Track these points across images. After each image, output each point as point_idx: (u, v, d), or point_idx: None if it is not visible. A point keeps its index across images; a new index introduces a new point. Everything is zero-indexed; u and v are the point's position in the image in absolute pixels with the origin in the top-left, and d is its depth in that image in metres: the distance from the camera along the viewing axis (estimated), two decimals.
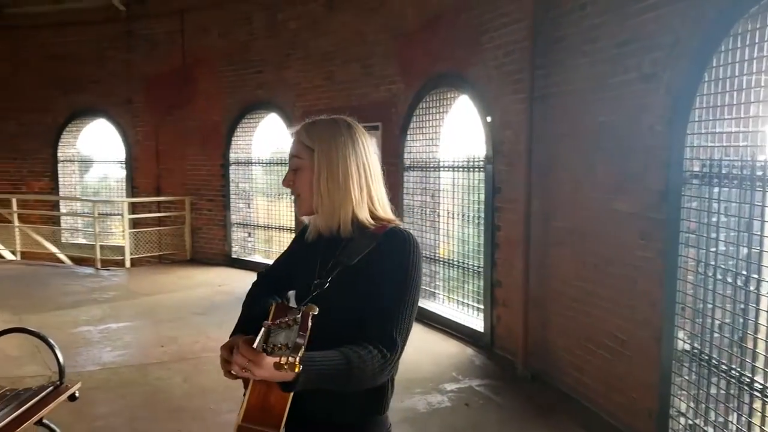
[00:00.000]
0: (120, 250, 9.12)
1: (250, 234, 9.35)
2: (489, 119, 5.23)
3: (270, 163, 9.22)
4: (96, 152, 11.05)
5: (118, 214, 9.35)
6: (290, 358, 1.05)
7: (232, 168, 9.13)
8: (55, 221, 10.37)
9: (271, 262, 7.78)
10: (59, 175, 10.34)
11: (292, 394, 1.22)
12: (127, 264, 8.96)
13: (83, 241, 10.16)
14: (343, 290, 1.37)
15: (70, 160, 10.51)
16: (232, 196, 9.18)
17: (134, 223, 9.45)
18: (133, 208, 9.65)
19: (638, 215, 3.54)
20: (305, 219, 1.52)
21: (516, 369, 4.73)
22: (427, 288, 6.43)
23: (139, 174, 9.95)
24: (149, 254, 9.48)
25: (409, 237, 1.40)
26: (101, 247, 9.09)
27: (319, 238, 1.46)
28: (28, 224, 10.02)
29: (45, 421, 3.01)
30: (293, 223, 8.42)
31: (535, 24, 4.47)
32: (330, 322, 1.27)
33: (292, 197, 1.49)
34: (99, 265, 8.85)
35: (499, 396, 4.32)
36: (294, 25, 8.02)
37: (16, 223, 9.82)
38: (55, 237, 10.17)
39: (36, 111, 10.09)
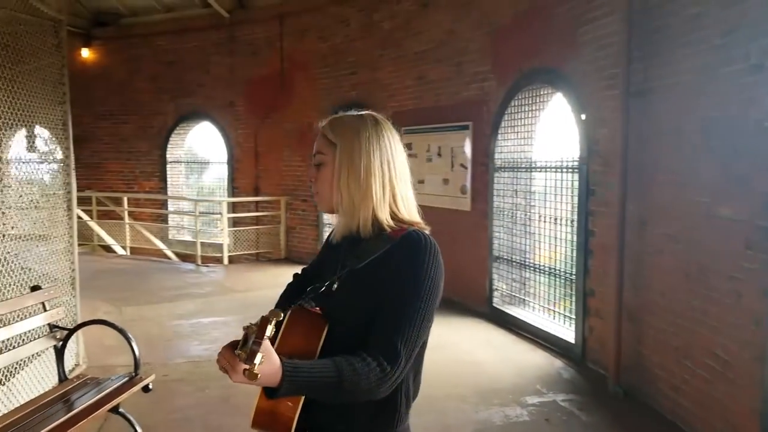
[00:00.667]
0: (220, 247, 9.68)
1: None
2: (583, 117, 5.01)
3: None
4: (202, 153, 11.76)
5: (219, 213, 9.91)
6: (246, 366, 1.05)
7: None
8: (164, 219, 11.20)
9: None
10: (167, 175, 11.16)
11: (301, 402, 1.23)
12: (225, 261, 9.49)
13: (189, 239, 10.89)
14: (348, 295, 1.35)
15: (178, 161, 11.31)
16: None
17: (234, 222, 10.01)
18: (233, 207, 10.21)
19: (744, 222, 3.24)
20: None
21: (607, 385, 4.48)
22: (516, 295, 6.27)
23: (239, 174, 10.51)
24: (247, 252, 9.98)
25: (428, 241, 1.33)
26: (203, 244, 9.69)
27: (343, 239, 1.44)
28: (138, 221, 10.91)
29: (120, 409, 3.24)
30: None
31: (631, 14, 4.23)
32: (335, 327, 1.27)
33: (312, 194, 1.48)
34: (199, 262, 9.43)
35: (584, 413, 4.11)
36: (388, 25, 8.13)
37: (127, 220, 10.72)
38: (162, 234, 10.97)
39: (148, 114, 10.96)
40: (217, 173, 11.39)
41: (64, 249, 4.47)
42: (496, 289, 6.49)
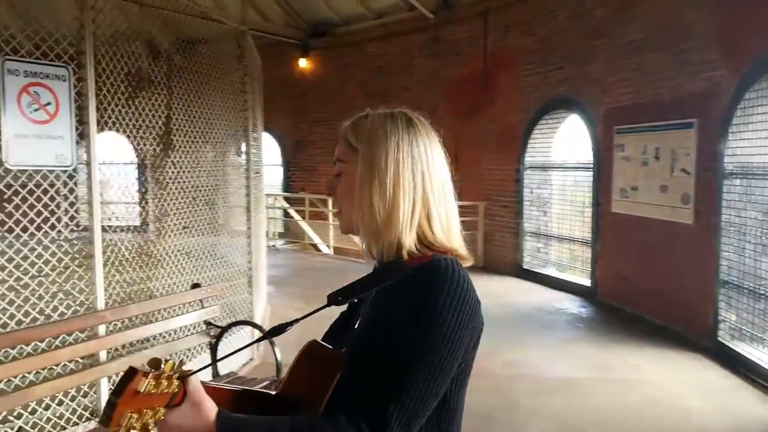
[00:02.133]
0: None
1: (544, 244, 9.04)
2: None
3: (570, 168, 8.72)
4: None
5: None
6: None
7: (527, 173, 8.96)
8: None
9: (565, 276, 7.37)
10: None
11: None
12: None
13: None
14: (354, 340, 1.14)
15: None
16: (525, 203, 9.01)
17: None
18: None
19: None
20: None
21: None
22: (749, 330, 5.22)
23: None
24: None
25: (451, 272, 1.06)
26: None
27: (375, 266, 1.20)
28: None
29: None
30: (591, 235, 7.83)
31: None
32: (341, 377, 1.03)
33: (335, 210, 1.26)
34: None
35: None
36: (600, 12, 7.42)
37: (331, 221, 11.44)
38: None
39: None
40: None
41: (242, 248, 4.81)
42: (723, 321, 5.48)
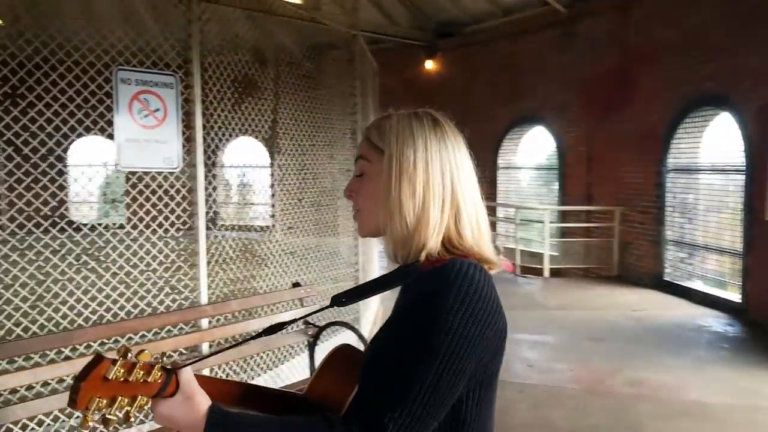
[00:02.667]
0: (542, 258, 9.40)
1: (688, 254, 8.27)
2: None
3: (718, 170, 7.89)
4: (528, 159, 11.62)
5: (541, 222, 9.66)
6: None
7: (669, 176, 8.26)
8: (492, 226, 11.41)
9: (711, 290, 6.74)
10: (498, 182, 11.37)
11: None
12: (546, 273, 9.16)
13: (521, 248, 10.88)
14: (369, 344, 1.13)
15: (507, 167, 11.42)
16: (667, 209, 8.31)
17: (562, 233, 9.62)
18: (564, 216, 9.82)
19: None
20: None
21: None
22: None
23: (569, 182, 10.04)
24: (573, 266, 9.47)
25: (466, 273, 1.02)
26: (525, 253, 9.58)
27: None
28: None
29: None
30: (742, 245, 7.03)
31: None
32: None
33: (353, 212, 1.22)
34: (518, 272, 9.33)
35: None
36: None
37: None
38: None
39: (482, 120, 11.34)
40: (547, 179, 11.11)
41: (349, 249, 4.88)
42: None
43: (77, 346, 3.01)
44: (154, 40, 3.23)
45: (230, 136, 3.72)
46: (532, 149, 11.32)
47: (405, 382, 0.97)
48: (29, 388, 2.64)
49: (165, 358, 1.04)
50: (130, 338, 3.21)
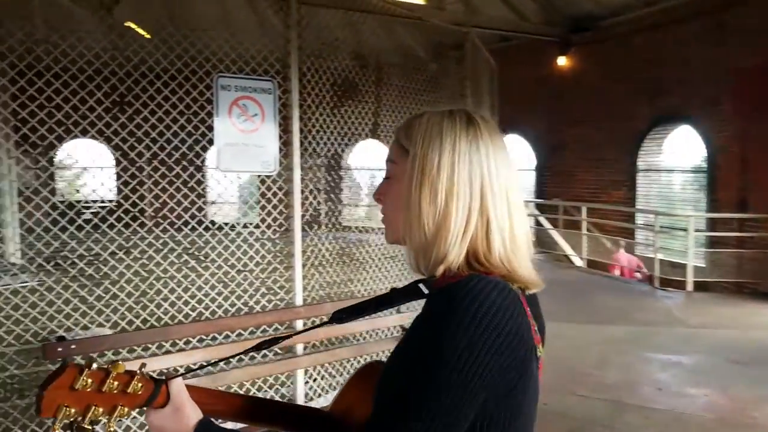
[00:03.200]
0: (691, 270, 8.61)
1: None
2: None
3: None
4: (672, 161, 10.69)
5: (685, 230, 8.86)
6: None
7: None
8: (630, 233, 10.66)
9: None
10: (637, 186, 10.58)
11: None
12: (689, 287, 8.36)
13: (661, 257, 10.08)
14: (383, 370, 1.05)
15: (649, 170, 10.59)
16: None
17: (711, 242, 8.78)
18: (713, 224, 8.95)
19: None
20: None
21: None
22: None
23: (720, 186, 9.09)
24: (723, 280, 8.58)
25: (476, 296, 0.91)
26: (670, 265, 8.86)
27: None
28: (601, 233, 10.73)
29: None
30: None
31: None
32: None
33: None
34: (656, 284, 8.62)
35: None
36: None
37: (584, 230, 10.67)
38: (628, 249, 10.48)
39: (619, 118, 10.63)
40: (694, 183, 10.17)
41: None
42: None
43: (177, 341, 3.20)
44: (253, 47, 3.35)
45: (335, 139, 3.77)
46: (677, 150, 10.42)
47: (406, 414, 0.91)
48: None
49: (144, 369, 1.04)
50: (227, 335, 3.36)
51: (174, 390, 1.02)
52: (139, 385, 0.99)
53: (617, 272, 9.94)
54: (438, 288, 0.98)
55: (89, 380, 0.95)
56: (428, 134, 1.03)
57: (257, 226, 3.74)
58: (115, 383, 0.97)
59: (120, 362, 0.98)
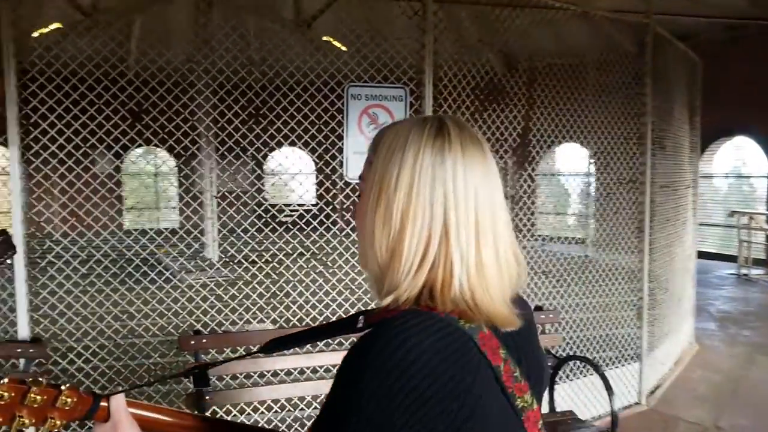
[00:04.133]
0: None
1: None
2: None
3: None
4: None
5: None
6: None
7: None
8: None
9: None
10: None
11: None
12: None
13: None
14: None
15: None
16: None
17: None
18: None
19: None
20: None
21: None
22: None
23: None
24: None
25: (387, 343, 0.80)
26: None
27: None
28: None
29: None
30: None
31: None
32: None
33: None
34: None
35: None
36: None
37: None
38: None
39: None
40: None
41: (629, 273, 4.23)
42: None
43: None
44: (385, 55, 3.33)
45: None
46: None
47: None
48: (247, 376, 3.01)
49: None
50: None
51: (113, 406, 1.03)
52: (69, 400, 1.01)
53: None
54: (373, 323, 0.88)
55: (4, 394, 0.99)
56: (391, 146, 0.90)
57: None
58: (38, 397, 1.00)
59: (41, 379, 1.01)
